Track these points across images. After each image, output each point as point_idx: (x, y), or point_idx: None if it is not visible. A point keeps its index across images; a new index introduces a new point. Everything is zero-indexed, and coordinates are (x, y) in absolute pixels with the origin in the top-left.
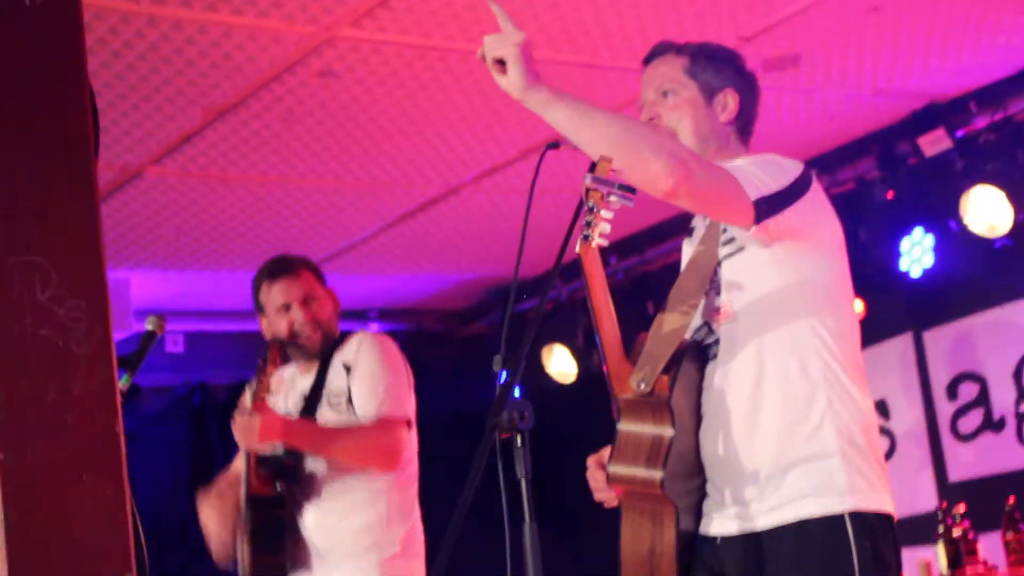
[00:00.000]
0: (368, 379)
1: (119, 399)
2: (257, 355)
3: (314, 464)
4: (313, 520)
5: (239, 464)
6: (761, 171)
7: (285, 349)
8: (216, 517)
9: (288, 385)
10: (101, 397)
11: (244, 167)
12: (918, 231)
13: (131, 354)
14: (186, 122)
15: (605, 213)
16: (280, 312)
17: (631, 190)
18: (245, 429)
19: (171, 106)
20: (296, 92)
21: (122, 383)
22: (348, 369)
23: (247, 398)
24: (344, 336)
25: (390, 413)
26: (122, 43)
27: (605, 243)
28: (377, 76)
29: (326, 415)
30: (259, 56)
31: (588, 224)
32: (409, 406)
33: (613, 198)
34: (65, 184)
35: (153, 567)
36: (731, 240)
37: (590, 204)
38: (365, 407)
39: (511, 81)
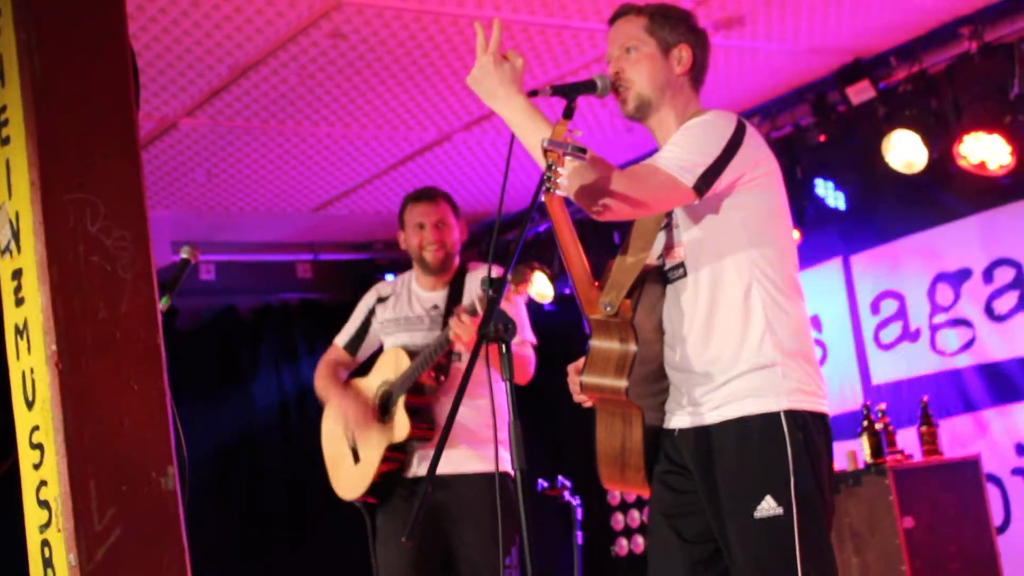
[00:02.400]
0: (512, 309)
1: (160, 317)
2: (276, 282)
3: (456, 366)
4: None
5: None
6: (695, 147)
7: (535, 274)
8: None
9: (406, 294)
10: (145, 315)
11: (266, 117)
12: (847, 170)
13: (169, 279)
14: (215, 78)
15: (562, 170)
16: (415, 229)
17: (583, 150)
18: (466, 329)
19: (201, 64)
20: (309, 51)
21: (162, 304)
22: None
23: (476, 303)
24: (465, 264)
25: (529, 338)
26: (158, 9)
27: (565, 193)
28: (379, 37)
29: None
30: (277, 20)
31: (548, 178)
32: None
33: (568, 157)
34: (111, 133)
35: (190, 462)
36: None
37: (549, 162)
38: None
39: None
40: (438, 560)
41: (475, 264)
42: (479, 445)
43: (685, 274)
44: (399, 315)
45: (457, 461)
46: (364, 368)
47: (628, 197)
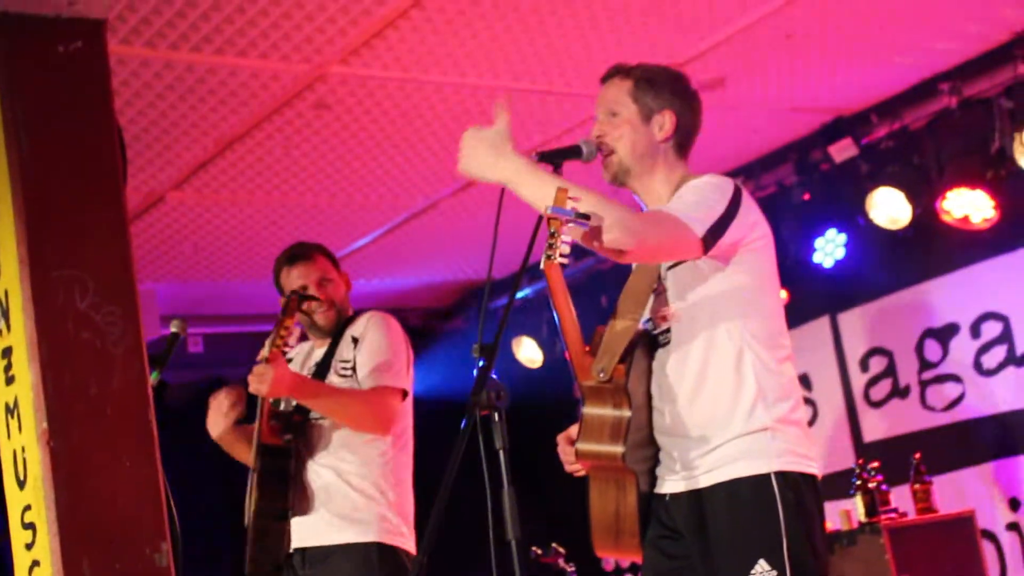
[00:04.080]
0: (370, 351)
1: (151, 392)
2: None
3: (319, 422)
4: (315, 473)
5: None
6: (702, 203)
7: (301, 302)
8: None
9: (305, 357)
10: (135, 390)
11: (252, 189)
12: (831, 230)
13: (159, 353)
14: (201, 152)
15: (565, 237)
16: None
17: (586, 217)
18: (259, 376)
19: (187, 138)
20: (294, 122)
21: (152, 379)
22: (356, 341)
23: (265, 349)
24: (357, 313)
25: (385, 382)
26: (143, 84)
27: (566, 262)
28: (364, 106)
29: (333, 380)
30: (261, 92)
31: (550, 245)
32: (405, 379)
33: (571, 225)
34: (99, 208)
35: (183, 537)
36: None
37: (551, 230)
38: (364, 375)
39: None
40: None
41: (374, 315)
42: (354, 510)
43: (675, 339)
44: None
45: (327, 532)
46: None
47: (646, 239)
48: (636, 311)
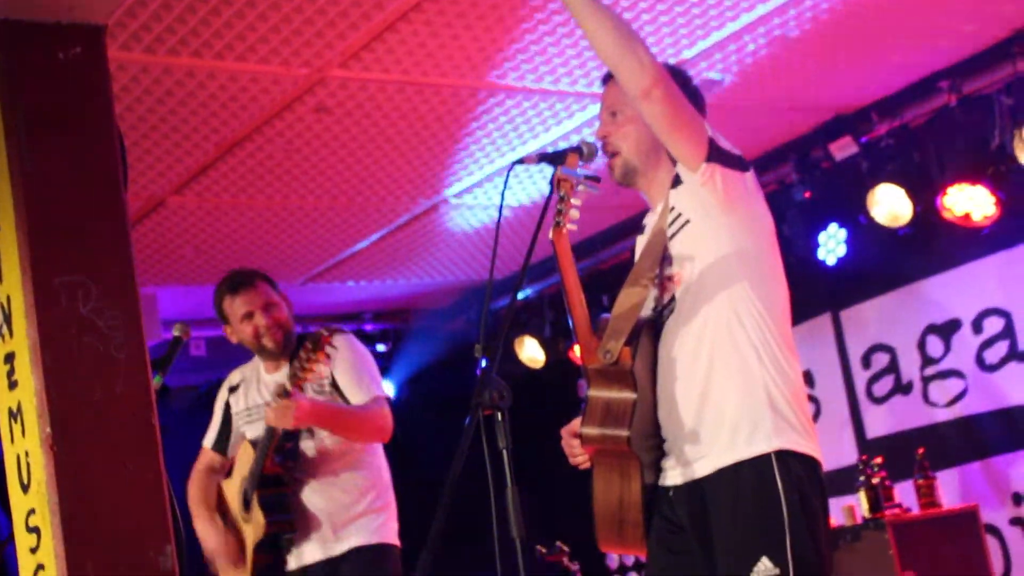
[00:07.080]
0: (353, 367)
1: (154, 396)
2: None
3: (305, 444)
4: (313, 492)
5: (241, 458)
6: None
7: (331, 344)
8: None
9: (255, 381)
10: (139, 395)
11: (252, 193)
12: (832, 225)
13: (161, 357)
14: (201, 156)
15: (574, 201)
16: (244, 320)
17: (596, 179)
18: (283, 412)
19: (188, 143)
20: (294, 126)
21: (155, 383)
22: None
23: (286, 382)
24: (304, 334)
25: (376, 393)
26: (143, 90)
27: (575, 227)
28: (364, 109)
29: (313, 398)
30: (261, 96)
31: (559, 212)
32: (383, 387)
33: (581, 187)
34: (101, 213)
35: (187, 540)
36: (677, 216)
37: (561, 193)
38: (357, 390)
39: None
40: None
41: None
42: (358, 518)
43: (679, 315)
44: (250, 404)
45: (334, 544)
46: None
47: (669, 93)
48: (644, 288)
